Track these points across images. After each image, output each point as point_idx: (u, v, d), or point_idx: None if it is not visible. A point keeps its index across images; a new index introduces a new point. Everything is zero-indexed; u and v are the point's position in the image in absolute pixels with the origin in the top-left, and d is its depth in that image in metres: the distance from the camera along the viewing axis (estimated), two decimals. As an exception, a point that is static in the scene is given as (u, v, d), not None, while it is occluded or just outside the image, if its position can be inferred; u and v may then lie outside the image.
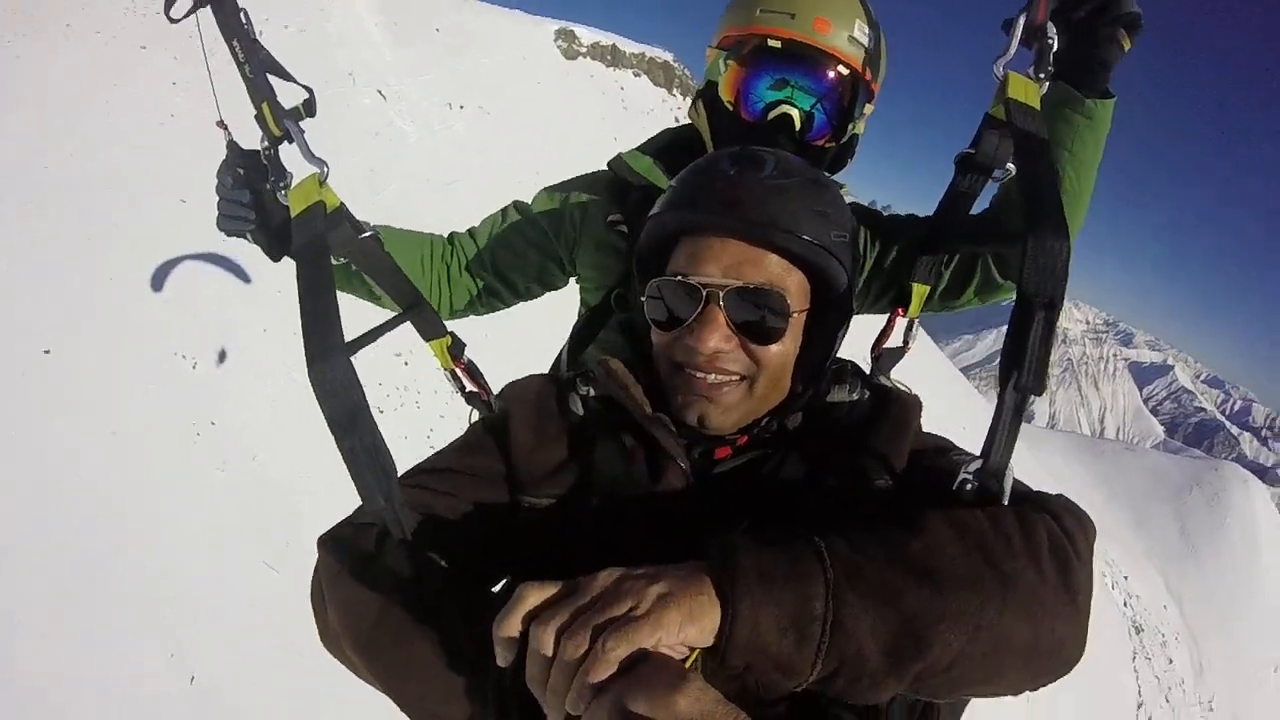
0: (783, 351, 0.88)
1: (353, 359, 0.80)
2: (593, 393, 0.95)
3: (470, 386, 1.21)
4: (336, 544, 0.80)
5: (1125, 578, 15.70)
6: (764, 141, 1.20)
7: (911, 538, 0.68)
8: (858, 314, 1.41)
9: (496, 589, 0.91)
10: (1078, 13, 1.07)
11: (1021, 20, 0.99)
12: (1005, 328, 0.79)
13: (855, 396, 0.95)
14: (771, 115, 1.26)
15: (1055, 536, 0.73)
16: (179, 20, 1.06)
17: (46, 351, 4.03)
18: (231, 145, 1.17)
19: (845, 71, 1.25)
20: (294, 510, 4.07)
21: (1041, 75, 0.97)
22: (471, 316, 1.63)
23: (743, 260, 0.85)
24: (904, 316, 1.22)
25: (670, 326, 0.89)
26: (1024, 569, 0.68)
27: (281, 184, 1.01)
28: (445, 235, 1.57)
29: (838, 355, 1.00)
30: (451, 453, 0.96)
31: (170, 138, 5.67)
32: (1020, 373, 0.76)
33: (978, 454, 0.80)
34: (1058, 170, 0.85)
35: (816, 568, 0.63)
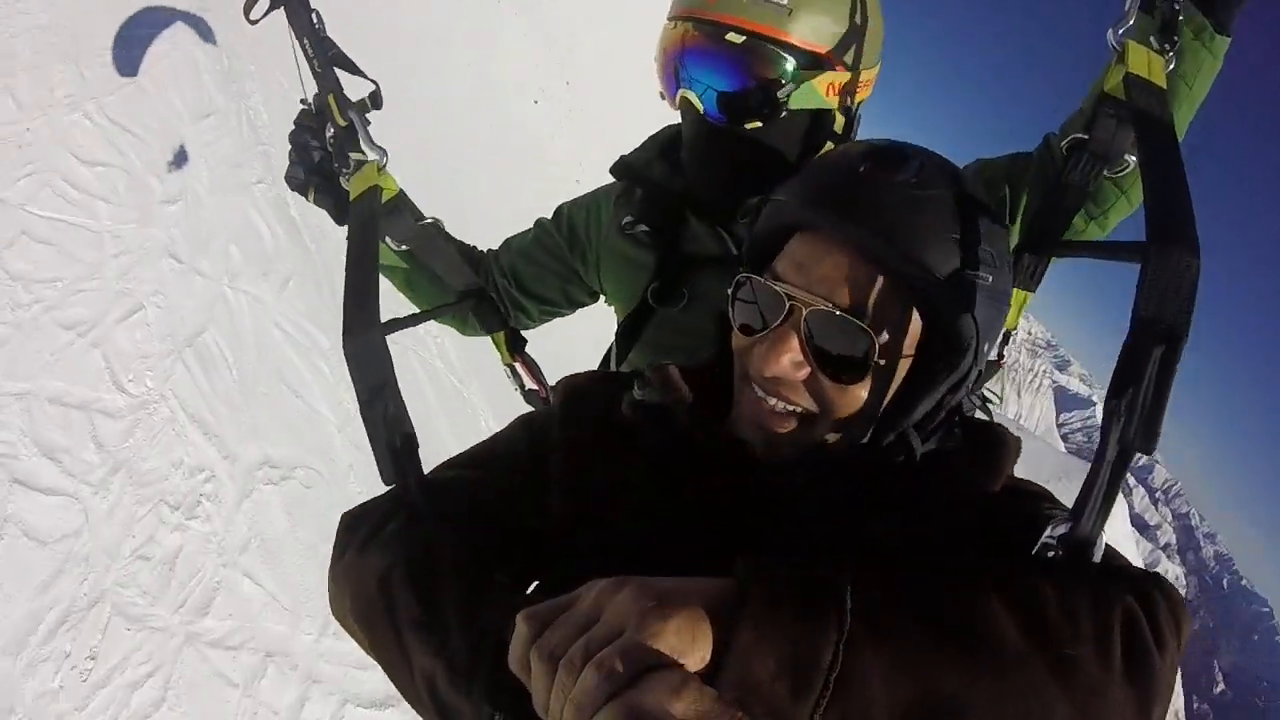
0: (860, 398, 0.72)
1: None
2: (644, 397, 0.85)
3: (529, 383, 1.21)
4: (354, 518, 0.81)
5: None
6: (694, 124, 1.08)
7: (961, 598, 0.58)
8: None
9: (529, 591, 0.86)
10: None
11: None
12: None
13: (949, 446, 0.78)
14: (679, 102, 1.10)
15: (1134, 621, 0.60)
16: (257, 21, 1.14)
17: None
18: (310, 112, 1.19)
19: (740, 39, 1.00)
20: None
21: (1167, 46, 0.83)
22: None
23: (844, 276, 0.70)
24: None
25: (749, 331, 0.76)
26: (1088, 656, 0.57)
27: (345, 170, 1.05)
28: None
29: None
30: (493, 441, 0.94)
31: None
32: (1128, 420, 0.62)
33: (1069, 512, 0.66)
34: (1183, 163, 0.71)
35: (833, 610, 0.53)
